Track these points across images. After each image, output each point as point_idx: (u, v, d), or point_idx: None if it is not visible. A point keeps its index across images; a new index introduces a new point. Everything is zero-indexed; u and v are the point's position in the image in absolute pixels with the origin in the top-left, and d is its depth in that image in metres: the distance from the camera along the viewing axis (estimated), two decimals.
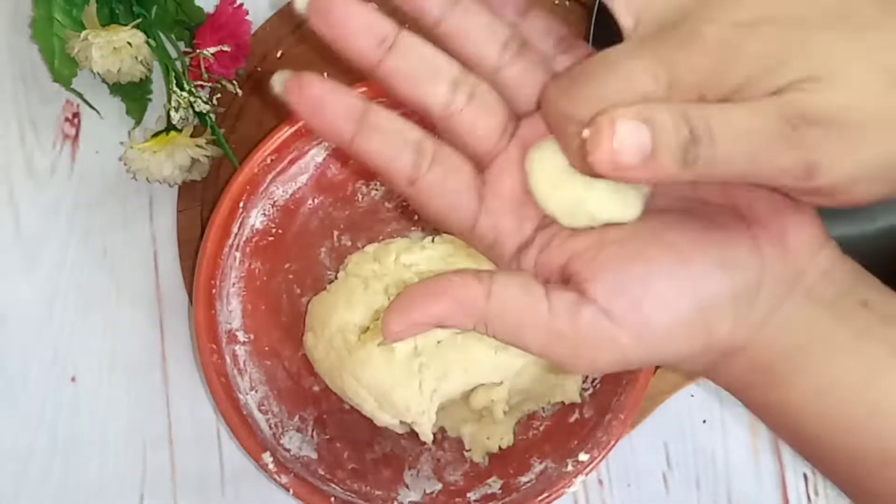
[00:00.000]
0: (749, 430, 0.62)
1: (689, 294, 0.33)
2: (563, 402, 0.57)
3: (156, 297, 0.62)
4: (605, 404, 0.55)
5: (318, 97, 0.36)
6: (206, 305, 0.54)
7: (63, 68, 0.60)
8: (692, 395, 0.62)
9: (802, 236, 0.35)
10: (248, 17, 0.60)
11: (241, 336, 0.57)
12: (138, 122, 0.61)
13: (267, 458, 0.53)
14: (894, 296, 0.36)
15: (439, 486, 0.57)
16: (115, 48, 0.56)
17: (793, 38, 0.31)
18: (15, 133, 0.62)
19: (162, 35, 0.59)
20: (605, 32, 0.58)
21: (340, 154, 0.58)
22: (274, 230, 0.58)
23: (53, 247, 0.62)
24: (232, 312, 0.57)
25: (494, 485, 0.56)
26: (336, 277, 0.59)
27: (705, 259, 0.34)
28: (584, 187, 0.34)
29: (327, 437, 0.57)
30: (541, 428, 0.58)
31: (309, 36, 0.63)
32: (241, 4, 0.60)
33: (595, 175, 0.31)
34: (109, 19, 0.59)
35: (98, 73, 0.57)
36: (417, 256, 0.57)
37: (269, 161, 0.56)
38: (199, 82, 0.59)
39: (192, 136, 0.58)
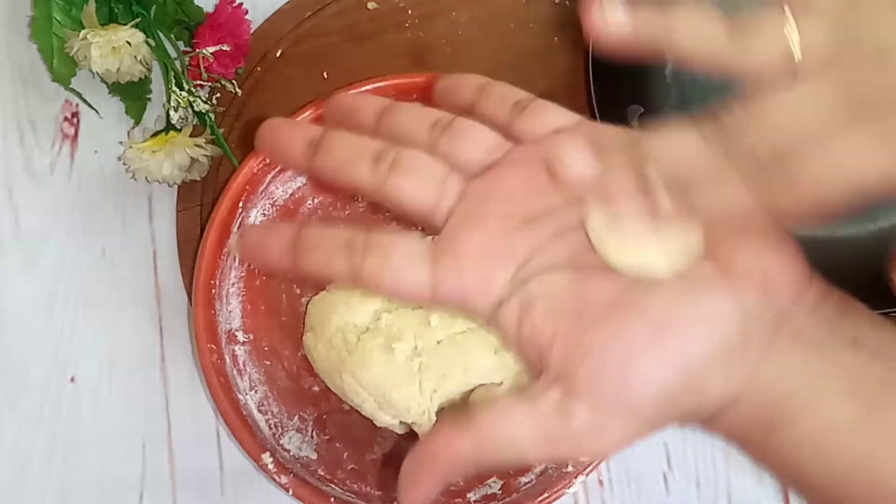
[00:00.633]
0: None
1: (673, 362, 0.33)
2: None
3: (155, 297, 0.62)
4: None
5: (256, 242, 0.39)
6: (205, 305, 0.54)
7: (62, 68, 0.60)
8: None
9: (785, 278, 0.35)
10: (247, 17, 0.60)
11: (240, 336, 0.57)
12: (137, 122, 0.61)
13: (266, 458, 0.53)
14: (883, 326, 0.36)
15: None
16: (115, 48, 0.56)
17: None
18: (14, 133, 0.62)
19: (161, 34, 0.59)
20: None
21: None
22: None
23: (52, 247, 0.62)
24: (231, 312, 0.57)
25: (494, 485, 0.56)
26: None
27: (683, 322, 0.33)
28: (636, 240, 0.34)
29: (327, 437, 0.57)
30: None
31: (309, 36, 0.63)
32: (241, 4, 0.60)
33: None
34: (108, 19, 0.59)
35: (97, 73, 0.57)
36: None
37: (268, 160, 0.55)
38: (199, 82, 0.59)
39: (191, 135, 0.58)
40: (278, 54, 0.62)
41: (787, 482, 0.37)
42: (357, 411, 0.56)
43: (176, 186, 0.61)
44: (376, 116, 0.39)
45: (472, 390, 0.55)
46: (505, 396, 0.35)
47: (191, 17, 0.60)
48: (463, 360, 0.54)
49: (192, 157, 0.58)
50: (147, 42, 0.57)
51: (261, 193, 0.57)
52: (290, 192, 0.58)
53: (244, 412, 0.55)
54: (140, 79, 0.59)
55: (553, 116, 0.38)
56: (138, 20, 0.58)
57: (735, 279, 0.34)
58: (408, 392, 0.53)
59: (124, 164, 0.59)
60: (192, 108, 0.58)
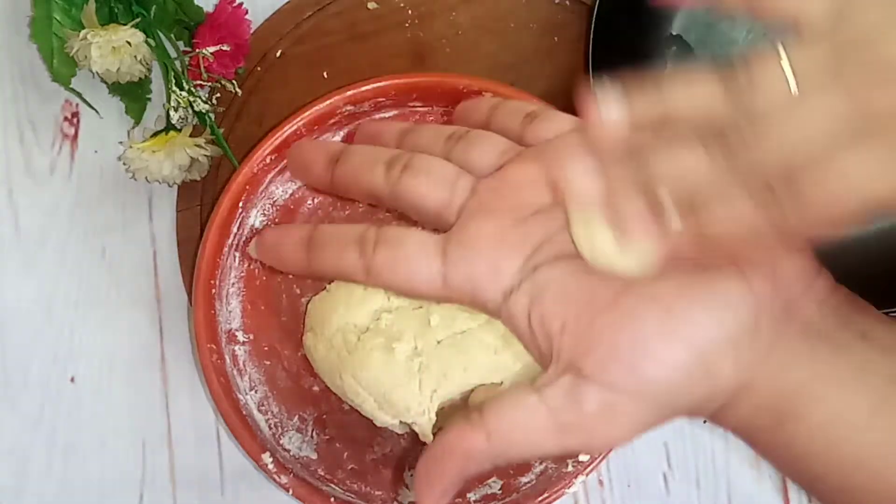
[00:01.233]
0: None
1: (684, 346, 0.33)
2: None
3: (155, 297, 0.62)
4: None
5: (273, 244, 0.41)
6: (205, 305, 0.54)
7: (62, 68, 0.60)
8: None
9: (793, 269, 0.35)
10: (247, 17, 0.60)
11: (240, 336, 0.57)
12: (137, 122, 0.61)
13: (266, 458, 0.53)
14: (891, 323, 0.36)
15: None
16: (115, 48, 0.56)
17: None
18: (14, 133, 0.62)
19: (161, 34, 0.59)
20: (604, 32, 0.58)
21: None
22: None
23: (52, 246, 0.62)
24: (231, 312, 0.57)
25: (494, 485, 0.56)
26: None
27: (694, 306, 0.33)
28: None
29: (327, 437, 0.57)
30: None
31: (309, 36, 0.63)
32: (241, 4, 0.60)
33: None
34: (108, 19, 0.59)
35: (97, 73, 0.57)
36: None
37: (268, 160, 0.55)
38: (199, 82, 0.59)
39: (191, 135, 0.58)
40: (278, 54, 0.62)
41: (793, 475, 0.37)
42: (357, 411, 0.56)
43: (176, 186, 0.61)
44: (398, 137, 0.40)
45: (472, 390, 0.56)
46: (514, 387, 0.35)
47: (191, 17, 0.60)
48: (463, 360, 0.54)
49: (192, 157, 0.58)
50: (147, 42, 0.57)
51: (261, 193, 0.57)
52: (289, 192, 0.58)
53: (244, 412, 0.55)
54: (140, 79, 0.59)
55: (563, 123, 0.39)
56: (138, 20, 0.58)
57: (745, 268, 0.34)
58: (408, 392, 0.53)
59: (124, 163, 0.59)
60: (192, 108, 0.58)
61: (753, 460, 0.62)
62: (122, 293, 0.62)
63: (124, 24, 0.57)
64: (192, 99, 0.57)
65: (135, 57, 0.57)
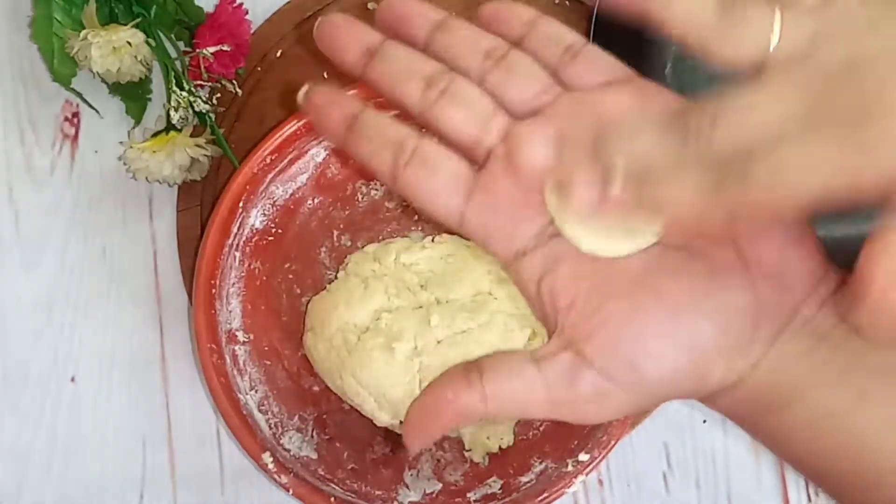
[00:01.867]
0: None
1: (681, 348, 0.34)
2: None
3: (155, 297, 0.62)
4: None
5: (320, 105, 0.38)
6: (205, 305, 0.54)
7: (62, 68, 0.60)
8: None
9: (802, 271, 0.35)
10: (247, 17, 0.60)
11: (240, 336, 0.57)
12: (138, 122, 0.61)
13: (267, 457, 0.53)
14: None
15: (439, 486, 0.57)
16: (115, 48, 0.56)
17: None
18: (14, 133, 0.62)
19: (161, 35, 0.59)
20: (605, 32, 0.58)
21: (340, 153, 0.58)
22: (274, 230, 0.58)
23: (53, 246, 0.62)
24: (232, 312, 0.57)
25: (494, 485, 0.56)
26: (336, 277, 0.59)
27: (699, 311, 0.34)
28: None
29: (327, 437, 0.57)
30: (541, 428, 0.58)
31: (308, 36, 0.63)
32: (241, 4, 0.60)
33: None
34: (109, 19, 0.59)
35: (97, 73, 0.57)
36: (417, 256, 0.57)
37: (268, 161, 0.56)
38: (199, 82, 0.59)
39: (191, 135, 0.58)
40: (278, 54, 0.62)
41: (785, 459, 0.38)
42: (357, 411, 0.56)
43: (176, 186, 0.61)
44: (430, 30, 0.39)
45: None
46: (515, 355, 0.36)
47: (191, 18, 0.61)
48: (463, 360, 0.54)
49: (192, 157, 0.58)
50: (147, 42, 0.57)
51: (261, 193, 0.57)
52: (290, 192, 0.58)
53: (244, 412, 0.55)
54: (140, 79, 0.59)
55: (604, 66, 0.38)
56: (139, 20, 0.58)
57: (755, 272, 0.34)
58: (408, 391, 0.53)
59: (125, 163, 0.59)
60: (193, 108, 0.58)
61: (753, 460, 0.62)
62: (122, 293, 0.62)
63: (125, 25, 0.57)
64: (192, 99, 0.58)
65: (135, 57, 0.57)
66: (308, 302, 0.58)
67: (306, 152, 0.57)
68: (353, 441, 0.58)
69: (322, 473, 0.56)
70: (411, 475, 0.57)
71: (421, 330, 0.54)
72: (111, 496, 0.60)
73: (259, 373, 0.57)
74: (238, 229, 0.56)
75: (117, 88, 0.61)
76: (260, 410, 0.56)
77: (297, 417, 0.57)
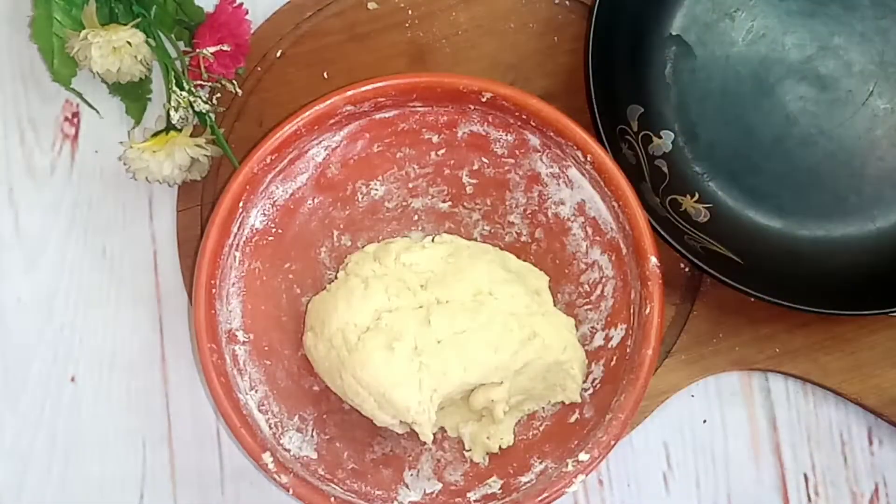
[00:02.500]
0: (749, 430, 0.62)
1: None
2: (563, 402, 0.57)
3: (155, 297, 0.62)
4: (605, 404, 0.55)
5: None
6: (205, 305, 0.54)
7: (62, 68, 0.60)
8: (692, 396, 0.62)
9: None
10: (247, 17, 0.60)
11: (240, 336, 0.57)
12: (138, 122, 0.61)
13: (267, 457, 0.53)
14: None
15: (439, 485, 0.57)
16: (115, 48, 0.56)
17: None
18: (14, 133, 0.63)
19: (161, 35, 0.59)
20: (604, 32, 0.58)
21: (340, 154, 0.58)
22: (274, 230, 0.58)
23: (53, 246, 0.62)
24: (232, 312, 0.57)
25: (494, 485, 0.56)
26: (336, 277, 0.59)
27: None
28: None
29: (327, 436, 0.57)
30: (541, 428, 0.58)
31: (309, 36, 0.63)
32: (241, 4, 0.60)
33: None
34: (109, 19, 0.59)
35: (97, 73, 0.57)
36: (417, 256, 0.57)
37: (268, 161, 0.56)
38: (199, 82, 0.59)
39: (191, 135, 0.58)
40: (278, 54, 0.62)
41: None
42: (357, 411, 0.56)
43: (176, 186, 0.61)
44: None
45: (473, 390, 0.56)
46: None
47: (191, 18, 0.61)
48: (463, 360, 0.54)
49: (192, 157, 0.58)
50: (147, 42, 0.57)
51: (261, 193, 0.57)
52: (290, 192, 0.58)
53: (244, 412, 0.55)
54: (140, 79, 0.59)
55: None
56: (139, 20, 0.58)
57: None
58: (408, 391, 0.53)
59: (125, 163, 0.59)
60: (193, 108, 0.58)
61: (753, 460, 0.62)
62: (122, 293, 0.62)
63: (125, 25, 0.57)
64: (192, 99, 0.58)
65: (135, 57, 0.57)
66: (308, 302, 0.58)
67: (306, 152, 0.57)
68: (354, 441, 0.58)
69: (322, 473, 0.56)
70: (411, 475, 0.57)
71: (421, 330, 0.54)
72: (111, 496, 0.60)
73: (259, 373, 0.57)
74: (238, 229, 0.56)
75: (117, 88, 0.61)
76: (260, 410, 0.56)
77: (297, 417, 0.57)
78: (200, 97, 0.58)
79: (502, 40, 0.63)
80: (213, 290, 0.55)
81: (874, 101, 0.62)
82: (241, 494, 0.61)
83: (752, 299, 0.58)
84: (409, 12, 0.63)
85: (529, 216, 0.59)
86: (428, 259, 0.57)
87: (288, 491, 0.53)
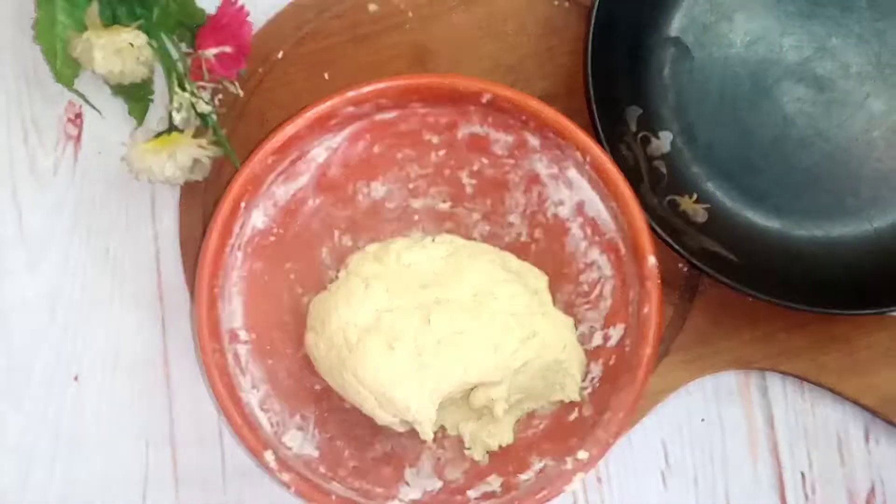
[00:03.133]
0: (747, 429, 0.62)
1: None
2: (562, 401, 0.57)
3: (158, 297, 0.62)
4: (604, 403, 0.55)
5: None
6: (207, 304, 0.55)
7: (65, 69, 0.60)
8: (690, 395, 0.62)
9: None
10: (249, 19, 0.60)
11: (242, 335, 0.57)
12: (140, 123, 0.62)
13: (268, 456, 0.53)
14: None
15: (440, 484, 0.57)
16: (118, 49, 0.56)
17: None
18: (18, 133, 0.63)
19: (164, 36, 0.60)
20: (604, 33, 0.58)
21: (341, 155, 0.58)
22: (275, 230, 0.58)
23: (56, 247, 0.62)
24: (233, 312, 0.57)
25: (494, 483, 0.56)
26: (337, 277, 0.59)
27: None
28: None
29: (328, 435, 0.57)
30: (540, 426, 0.58)
31: (310, 38, 0.63)
32: (243, 6, 0.60)
33: None
34: (112, 20, 0.59)
35: (100, 74, 0.58)
36: (418, 256, 0.57)
37: (270, 161, 0.56)
38: (201, 83, 0.59)
39: (193, 136, 0.58)
40: (280, 56, 0.63)
41: None
42: (358, 410, 0.56)
43: (178, 187, 0.62)
44: None
45: (472, 389, 0.56)
46: None
47: (193, 19, 0.61)
48: (462, 359, 0.54)
49: (194, 158, 0.58)
50: (150, 44, 0.57)
51: (262, 194, 0.57)
52: (291, 192, 0.58)
53: (246, 410, 0.55)
54: (143, 80, 0.59)
55: None
56: (141, 22, 0.58)
57: None
58: (408, 390, 0.53)
59: (127, 164, 0.59)
60: (195, 109, 0.58)
61: (751, 459, 0.62)
62: (125, 293, 0.62)
63: (127, 26, 0.57)
64: (194, 100, 0.58)
65: (137, 58, 0.57)
66: (309, 301, 0.59)
67: (307, 153, 0.58)
68: (355, 439, 0.58)
69: (323, 472, 0.56)
70: (412, 473, 0.57)
71: (421, 329, 0.54)
72: (114, 494, 0.61)
73: (261, 372, 0.57)
74: (240, 229, 0.56)
75: (120, 89, 0.61)
76: (262, 409, 0.56)
77: (298, 416, 0.57)
78: (202, 98, 0.58)
79: (502, 42, 0.63)
80: (216, 290, 0.55)
81: (871, 103, 0.63)
82: (243, 493, 0.61)
83: (750, 299, 0.58)
84: (410, 14, 0.63)
85: (529, 216, 0.59)
86: (428, 259, 0.57)
87: (289, 489, 0.53)
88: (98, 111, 0.62)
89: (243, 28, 0.60)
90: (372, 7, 0.63)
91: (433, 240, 0.59)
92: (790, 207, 0.62)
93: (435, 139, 0.59)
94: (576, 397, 0.57)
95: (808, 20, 0.63)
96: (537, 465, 0.56)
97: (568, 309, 0.59)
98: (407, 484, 0.57)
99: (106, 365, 0.61)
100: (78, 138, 0.63)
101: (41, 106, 0.63)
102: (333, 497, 0.53)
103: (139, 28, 0.57)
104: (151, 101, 0.62)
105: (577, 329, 0.58)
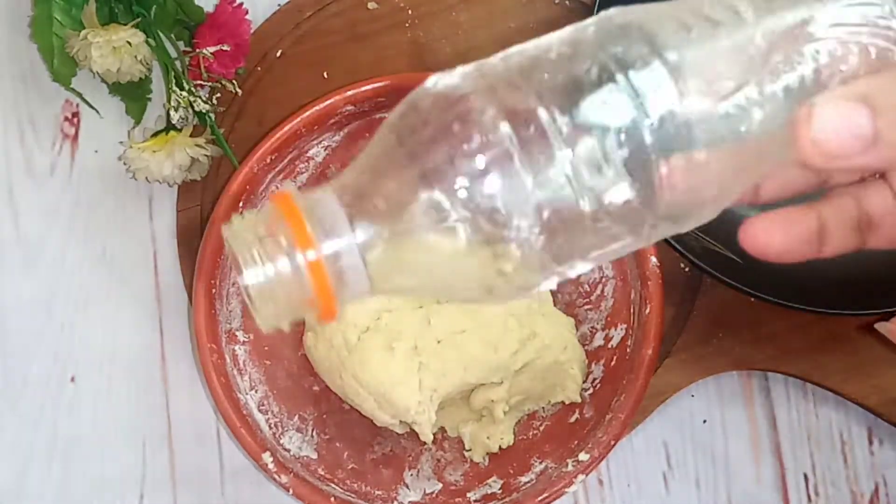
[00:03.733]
0: (749, 430, 0.62)
1: None
2: (563, 402, 0.57)
3: (155, 297, 0.62)
4: (605, 404, 0.55)
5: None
6: (205, 305, 0.54)
7: (62, 68, 0.60)
8: (692, 396, 0.62)
9: None
10: (247, 17, 0.60)
11: (240, 336, 0.57)
12: (138, 122, 0.61)
13: (267, 457, 0.53)
14: None
15: (439, 485, 0.57)
16: (115, 48, 0.56)
17: None
18: (14, 132, 0.62)
19: (161, 34, 0.59)
20: None
21: (340, 153, 0.58)
22: None
23: (53, 246, 0.62)
24: (231, 312, 0.57)
25: (494, 485, 0.56)
26: None
27: None
28: None
29: (327, 436, 0.57)
30: (541, 428, 0.58)
31: (309, 36, 0.63)
32: (241, 4, 0.60)
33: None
34: (109, 19, 0.59)
35: (97, 73, 0.57)
36: None
37: (269, 160, 0.56)
38: (199, 82, 0.59)
39: (191, 135, 0.58)
40: (278, 54, 0.62)
41: None
42: (357, 411, 0.56)
43: (176, 186, 0.61)
44: None
45: (473, 390, 0.56)
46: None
47: (191, 17, 0.61)
48: (462, 360, 0.54)
49: (192, 157, 0.58)
50: (147, 42, 0.57)
51: (261, 193, 0.57)
52: None
53: (244, 412, 0.55)
54: (140, 79, 0.59)
55: None
56: (138, 20, 0.58)
57: None
58: (407, 391, 0.53)
59: (125, 163, 0.59)
60: (193, 107, 0.58)
61: (753, 460, 0.62)
62: (122, 293, 0.62)
63: (124, 24, 0.57)
64: (192, 99, 0.58)
65: (135, 57, 0.57)
66: None
67: (306, 152, 0.57)
68: (353, 441, 0.58)
69: (322, 473, 0.56)
70: (411, 475, 0.57)
71: (421, 330, 0.54)
72: (111, 496, 0.60)
73: (259, 372, 0.57)
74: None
75: (117, 88, 0.61)
76: (260, 410, 0.56)
77: (297, 417, 0.57)
78: (200, 97, 0.58)
79: (502, 40, 0.63)
80: (213, 290, 0.55)
81: None
82: (240, 494, 0.61)
83: (753, 299, 0.58)
84: (410, 12, 0.63)
85: None
86: None
87: (288, 491, 0.53)
88: (95, 110, 0.62)
89: (242, 26, 0.60)
90: (371, 5, 0.63)
91: None
92: None
93: None
94: (577, 398, 0.56)
95: None
96: (538, 467, 0.56)
97: (569, 309, 0.58)
98: (406, 486, 0.57)
99: (103, 365, 0.61)
100: (75, 137, 0.63)
101: (38, 105, 0.63)
102: (332, 499, 0.53)
103: (137, 26, 0.57)
104: (149, 99, 0.62)
105: (577, 330, 0.58)
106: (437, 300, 0.55)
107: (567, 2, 0.63)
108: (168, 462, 0.61)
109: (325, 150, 0.58)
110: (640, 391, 0.54)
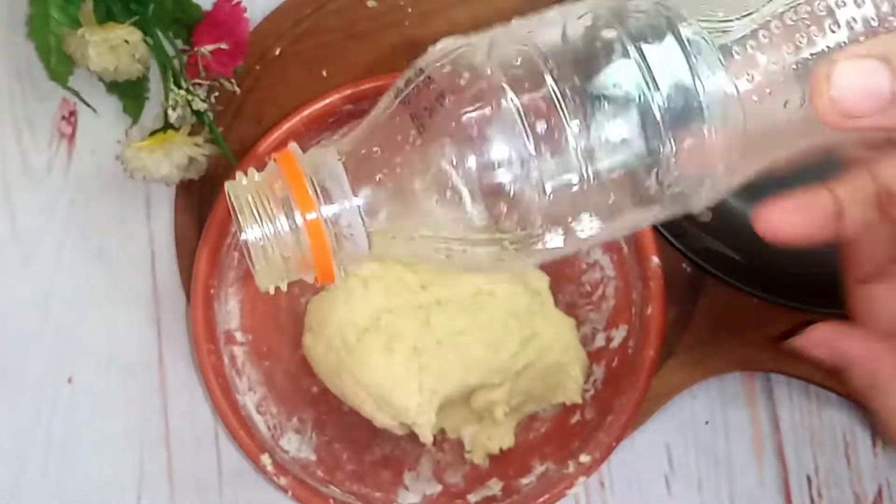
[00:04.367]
0: (752, 431, 0.62)
1: None
2: (564, 404, 0.57)
3: (153, 297, 0.61)
4: (606, 405, 0.55)
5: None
6: (203, 305, 0.54)
7: (59, 66, 0.60)
8: (694, 397, 0.62)
9: None
10: (246, 15, 0.60)
11: (239, 336, 0.57)
12: (135, 121, 0.61)
13: (265, 459, 0.53)
14: None
15: (439, 487, 0.57)
16: (112, 46, 0.56)
17: None
18: (10, 131, 0.62)
19: (159, 33, 0.59)
20: None
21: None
22: None
23: (49, 246, 0.61)
24: (230, 312, 0.56)
25: (495, 486, 0.56)
26: None
27: None
28: None
29: (326, 438, 0.57)
30: (542, 429, 0.58)
31: (308, 34, 0.63)
32: (239, 2, 0.59)
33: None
34: (106, 17, 0.58)
35: (95, 72, 0.57)
36: None
37: (267, 160, 0.55)
38: (197, 80, 0.59)
39: (189, 134, 0.58)
40: (277, 53, 0.62)
41: None
42: (356, 412, 0.56)
43: (174, 185, 0.61)
44: None
45: (473, 391, 0.55)
46: None
47: (189, 16, 0.60)
48: (463, 361, 0.54)
49: (190, 157, 0.57)
50: (145, 40, 0.57)
51: None
52: None
53: (243, 413, 0.54)
54: (138, 77, 0.59)
55: None
56: (136, 18, 0.58)
57: None
58: (407, 392, 0.53)
59: (122, 162, 0.58)
60: (191, 106, 0.58)
61: (756, 462, 0.61)
62: (119, 293, 0.61)
63: (122, 23, 0.57)
64: (190, 98, 0.57)
65: (132, 55, 0.57)
66: (307, 302, 0.58)
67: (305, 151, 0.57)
68: (353, 442, 0.57)
69: (321, 475, 0.55)
70: (411, 477, 0.57)
71: (421, 330, 0.54)
72: (108, 498, 0.60)
73: (257, 374, 0.57)
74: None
75: (115, 87, 0.61)
76: (258, 411, 0.56)
77: (295, 419, 0.57)
78: (198, 96, 0.58)
79: None
80: (212, 291, 0.55)
81: None
82: (239, 496, 0.60)
83: (755, 300, 0.57)
84: (409, 10, 0.63)
85: None
86: None
87: (286, 493, 0.53)
88: (92, 109, 0.61)
89: (240, 24, 0.59)
90: (371, 3, 0.63)
91: None
92: None
93: None
94: (578, 400, 0.56)
95: None
96: (538, 469, 0.56)
97: (570, 310, 0.58)
98: (406, 488, 0.57)
99: (100, 366, 0.61)
100: (72, 137, 0.63)
101: (34, 104, 0.62)
102: (331, 501, 0.53)
103: (134, 24, 0.57)
104: (147, 98, 0.61)
105: (578, 330, 0.57)
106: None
107: (567, 1, 0.63)
108: (166, 463, 0.60)
109: None
110: (641, 392, 0.54)
